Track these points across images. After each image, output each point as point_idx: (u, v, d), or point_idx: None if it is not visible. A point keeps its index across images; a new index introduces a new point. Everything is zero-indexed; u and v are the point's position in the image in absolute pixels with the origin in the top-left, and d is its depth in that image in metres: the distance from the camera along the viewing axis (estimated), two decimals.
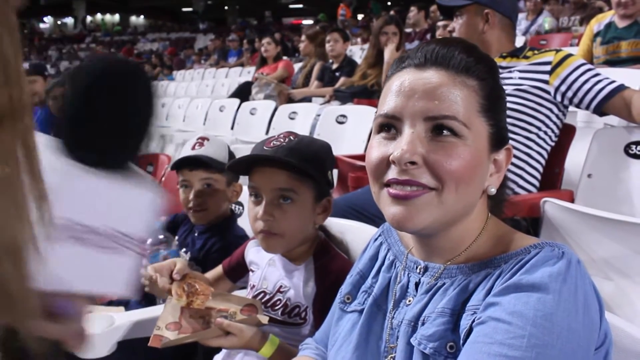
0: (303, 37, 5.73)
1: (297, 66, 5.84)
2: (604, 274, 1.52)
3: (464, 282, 0.75)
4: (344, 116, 3.37)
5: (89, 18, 30.67)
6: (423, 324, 0.76)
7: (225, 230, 1.71)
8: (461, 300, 0.73)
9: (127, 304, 1.85)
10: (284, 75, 5.35)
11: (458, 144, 0.73)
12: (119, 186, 0.42)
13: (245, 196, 1.28)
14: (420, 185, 0.73)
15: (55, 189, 0.38)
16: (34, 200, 0.37)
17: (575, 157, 2.05)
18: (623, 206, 1.88)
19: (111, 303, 1.94)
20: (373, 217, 1.81)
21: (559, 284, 0.66)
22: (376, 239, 0.95)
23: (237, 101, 4.86)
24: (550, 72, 1.89)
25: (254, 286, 1.31)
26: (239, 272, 1.51)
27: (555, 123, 1.94)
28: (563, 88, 1.88)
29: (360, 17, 14.90)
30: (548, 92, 1.90)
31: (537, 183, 1.95)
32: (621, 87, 1.85)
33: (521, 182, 1.92)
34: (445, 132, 0.73)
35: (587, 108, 1.90)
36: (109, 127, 0.44)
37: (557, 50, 1.96)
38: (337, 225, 1.35)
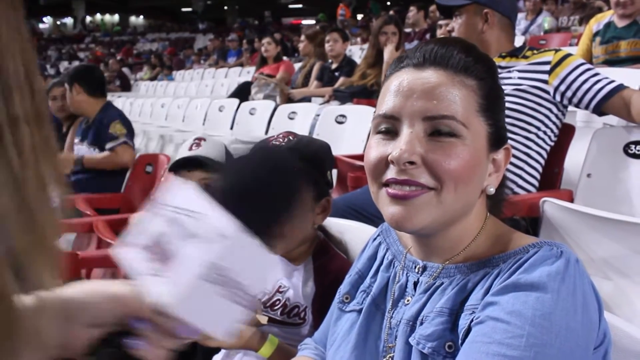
0: (302, 37, 5.74)
1: (296, 66, 5.84)
2: (603, 273, 1.51)
3: (462, 282, 0.75)
4: (343, 116, 3.37)
5: (88, 18, 30.66)
6: (421, 323, 0.76)
7: None
8: (460, 299, 0.73)
9: None
10: (286, 78, 5.35)
11: (457, 143, 0.73)
12: (261, 250, 0.51)
13: None
14: (419, 185, 0.72)
15: (228, 245, 0.48)
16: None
17: (575, 157, 2.05)
18: (622, 206, 1.88)
19: None
20: (372, 217, 1.81)
21: (557, 283, 0.66)
22: (375, 239, 0.95)
23: (236, 101, 4.86)
24: (549, 72, 1.89)
25: None
26: None
27: (554, 123, 1.94)
28: (562, 88, 1.88)
29: (359, 17, 14.90)
30: (547, 92, 1.90)
31: (536, 183, 1.95)
32: (620, 87, 1.85)
33: (520, 182, 1.92)
34: (443, 132, 0.73)
35: (586, 108, 1.90)
36: (268, 205, 0.55)
37: (557, 50, 1.96)
38: (336, 225, 1.35)
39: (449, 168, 0.72)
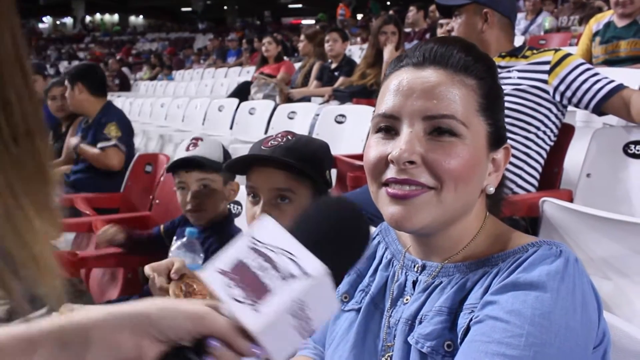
0: (302, 37, 5.74)
1: (296, 66, 5.84)
2: (602, 273, 1.51)
3: (461, 281, 0.75)
4: (342, 116, 3.37)
5: (88, 18, 30.65)
6: (420, 322, 0.75)
7: (222, 230, 1.71)
8: (459, 298, 0.73)
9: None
10: (286, 79, 5.36)
11: (457, 143, 0.73)
12: (333, 291, 0.57)
13: (243, 195, 1.28)
14: (419, 184, 0.72)
15: (314, 284, 0.54)
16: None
17: (574, 157, 2.05)
18: (622, 206, 1.88)
19: (109, 303, 1.94)
20: (371, 216, 1.80)
21: (556, 282, 0.66)
22: (374, 238, 0.95)
23: (236, 101, 4.86)
24: (549, 72, 1.89)
25: None
26: None
27: (554, 123, 1.94)
28: (562, 87, 1.88)
29: (359, 16, 14.90)
30: (547, 92, 1.90)
31: (536, 183, 1.95)
32: (620, 87, 1.85)
33: (520, 182, 1.92)
34: (443, 131, 0.73)
35: (586, 108, 1.90)
36: (347, 249, 0.61)
37: (556, 50, 1.96)
38: None
39: (449, 167, 0.72)
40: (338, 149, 2.85)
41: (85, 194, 3.02)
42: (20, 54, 0.36)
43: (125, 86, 11.11)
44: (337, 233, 0.61)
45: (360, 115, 3.23)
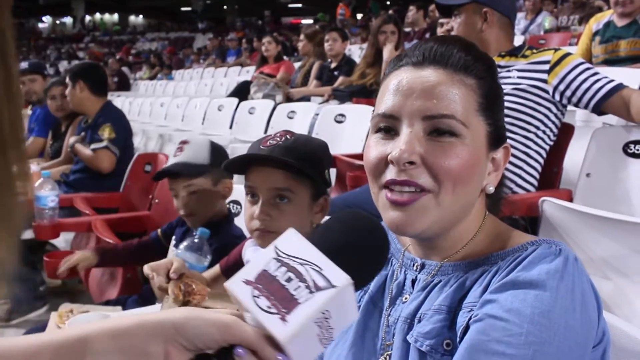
0: (302, 37, 5.73)
1: (295, 65, 5.83)
2: (602, 273, 1.51)
3: (460, 279, 0.75)
4: (342, 115, 3.37)
5: (87, 18, 30.65)
6: (419, 321, 0.75)
7: (221, 230, 1.71)
8: (458, 297, 0.73)
9: (125, 304, 1.85)
10: (286, 79, 5.36)
11: (456, 143, 0.72)
12: (355, 302, 0.60)
13: (242, 195, 1.27)
14: (418, 186, 0.72)
15: (339, 294, 0.56)
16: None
17: (574, 156, 2.05)
18: (622, 205, 1.88)
19: (109, 303, 1.94)
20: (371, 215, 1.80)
21: (556, 281, 0.65)
22: None
23: (235, 100, 4.86)
24: (548, 71, 1.89)
25: None
26: (236, 272, 1.50)
27: (553, 122, 1.94)
28: (562, 87, 1.88)
29: (359, 16, 14.89)
30: (547, 91, 1.90)
31: (535, 182, 1.95)
32: (620, 86, 1.85)
33: (520, 182, 1.92)
34: (443, 131, 0.73)
35: (585, 107, 1.89)
36: (369, 260, 0.63)
37: (556, 49, 1.96)
38: None
39: (448, 168, 0.72)
40: (338, 149, 2.85)
41: (84, 194, 3.02)
42: (6, 57, 0.35)
43: (124, 86, 11.11)
44: (358, 244, 0.62)
45: (360, 115, 3.23)
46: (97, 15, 31.85)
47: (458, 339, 0.69)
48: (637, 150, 1.89)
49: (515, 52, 2.00)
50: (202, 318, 0.57)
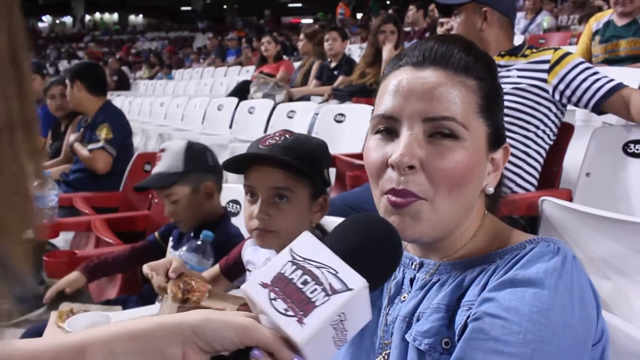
0: (301, 36, 5.73)
1: (295, 65, 5.83)
2: (602, 273, 1.51)
3: (459, 278, 0.74)
4: (342, 115, 3.37)
5: (87, 17, 30.64)
6: (418, 320, 0.75)
7: (217, 228, 1.70)
8: (456, 296, 0.73)
9: (125, 304, 1.85)
10: (286, 78, 5.35)
11: (456, 147, 0.72)
12: (369, 305, 0.60)
13: (241, 194, 1.27)
14: (415, 196, 0.72)
15: (354, 297, 0.57)
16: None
17: (574, 156, 2.05)
18: (621, 205, 1.87)
19: (109, 302, 1.94)
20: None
21: (554, 279, 0.65)
22: None
23: (235, 100, 4.85)
24: (548, 71, 1.89)
25: None
26: (235, 272, 1.50)
27: (553, 122, 1.93)
28: (561, 86, 1.88)
29: (359, 16, 14.90)
30: (546, 91, 1.89)
31: (535, 182, 1.95)
32: (620, 86, 1.85)
33: (519, 181, 1.92)
34: (443, 134, 0.72)
35: (585, 107, 1.89)
36: (383, 263, 0.64)
37: (556, 49, 1.95)
38: (334, 224, 1.33)
39: (446, 172, 0.71)
40: (337, 148, 2.85)
41: (84, 193, 3.02)
42: (17, 54, 0.35)
43: (124, 85, 11.10)
44: (372, 247, 0.63)
45: (360, 115, 3.23)
46: (97, 15, 31.85)
47: (456, 338, 0.69)
48: (637, 149, 1.89)
49: (515, 52, 2.00)
50: (219, 320, 0.57)
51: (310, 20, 17.24)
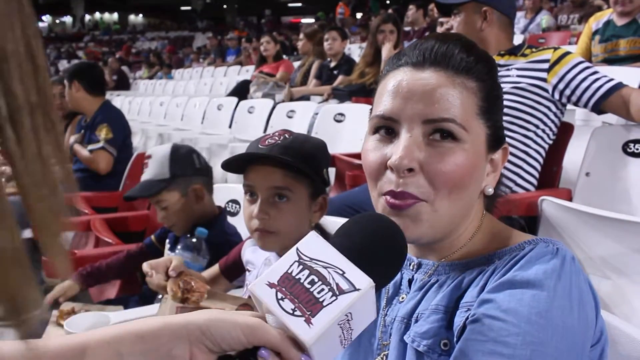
0: (301, 36, 5.73)
1: (295, 64, 5.83)
2: (601, 272, 1.51)
3: (457, 279, 0.74)
4: (341, 115, 3.37)
5: (87, 17, 30.63)
6: (416, 321, 0.75)
7: (212, 228, 1.70)
8: (455, 297, 0.73)
9: (126, 304, 1.86)
10: (285, 78, 5.35)
11: (455, 149, 0.72)
12: (374, 305, 0.61)
13: (241, 194, 1.27)
14: (415, 198, 0.72)
15: (361, 297, 0.57)
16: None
17: (573, 156, 2.05)
18: (621, 204, 1.87)
19: (109, 302, 1.94)
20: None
21: (553, 280, 0.65)
22: None
23: (235, 100, 4.85)
24: (548, 70, 1.89)
25: None
26: (235, 272, 1.50)
27: (553, 121, 1.93)
28: (561, 86, 1.87)
29: (359, 15, 14.89)
30: (546, 90, 1.89)
31: (535, 181, 1.95)
32: (619, 85, 1.85)
33: (519, 181, 1.92)
34: (443, 135, 0.72)
35: (585, 106, 1.89)
36: (388, 262, 0.64)
37: (555, 48, 1.95)
38: (333, 223, 1.34)
39: (446, 175, 0.71)
40: (337, 148, 2.84)
41: (83, 193, 3.01)
42: (32, 46, 0.35)
43: (124, 85, 11.10)
44: (378, 247, 0.63)
45: (359, 114, 3.23)
46: (97, 14, 31.84)
47: (455, 339, 0.69)
48: (637, 149, 1.89)
49: (514, 51, 1.99)
50: (226, 320, 0.58)
51: (310, 20, 17.25)
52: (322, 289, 0.57)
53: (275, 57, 5.69)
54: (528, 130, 1.90)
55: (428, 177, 0.72)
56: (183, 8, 30.60)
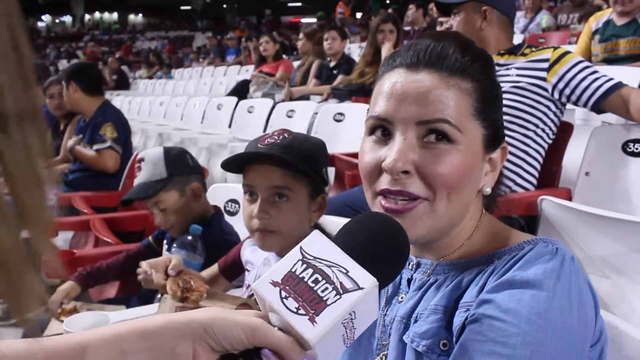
0: (301, 35, 5.73)
1: (295, 64, 5.83)
2: (601, 272, 1.51)
3: (457, 279, 0.74)
4: (341, 114, 3.37)
5: (87, 16, 30.64)
6: (416, 321, 0.75)
7: (209, 227, 1.70)
8: (454, 297, 0.73)
9: (127, 304, 1.86)
10: (285, 77, 5.35)
11: (450, 151, 0.71)
12: (377, 303, 0.61)
13: (240, 194, 1.27)
14: (412, 195, 0.72)
15: (365, 295, 0.57)
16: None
17: (573, 155, 2.05)
18: (621, 204, 1.87)
19: (110, 302, 1.94)
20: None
21: (552, 280, 0.65)
22: None
23: (234, 99, 4.85)
24: (548, 70, 1.89)
25: (249, 286, 1.31)
26: (234, 271, 1.50)
27: (552, 120, 1.93)
28: (561, 85, 1.87)
29: (358, 15, 14.89)
30: (546, 90, 1.89)
31: (534, 181, 1.95)
32: (619, 85, 1.84)
33: (519, 180, 1.91)
34: (438, 137, 0.72)
35: (584, 106, 1.89)
36: (391, 261, 0.64)
37: (555, 48, 1.95)
38: (332, 223, 1.34)
39: (442, 177, 0.71)
40: (337, 148, 2.84)
41: (83, 193, 3.01)
42: (16, 35, 0.35)
43: (124, 84, 11.10)
44: (381, 246, 0.63)
45: (359, 114, 3.23)
46: (97, 14, 31.84)
47: (454, 339, 0.69)
48: (637, 149, 1.89)
49: (514, 51, 1.99)
50: (229, 319, 0.57)
51: (310, 20, 17.25)
52: (326, 288, 0.57)
53: (275, 56, 5.69)
54: (528, 129, 1.90)
55: (424, 178, 0.71)
56: (183, 8, 30.62)
